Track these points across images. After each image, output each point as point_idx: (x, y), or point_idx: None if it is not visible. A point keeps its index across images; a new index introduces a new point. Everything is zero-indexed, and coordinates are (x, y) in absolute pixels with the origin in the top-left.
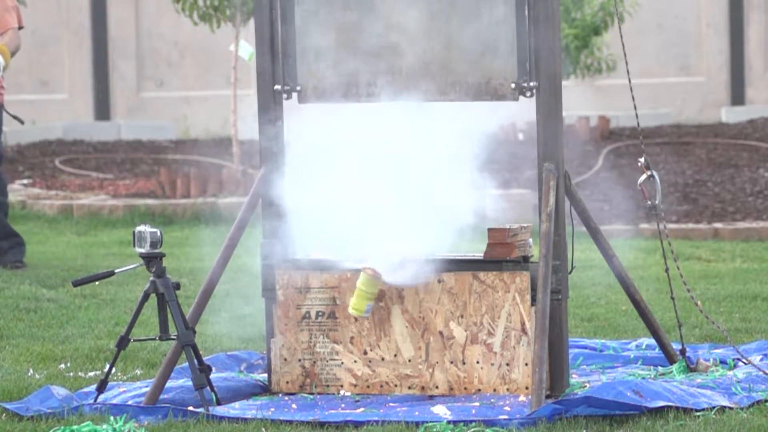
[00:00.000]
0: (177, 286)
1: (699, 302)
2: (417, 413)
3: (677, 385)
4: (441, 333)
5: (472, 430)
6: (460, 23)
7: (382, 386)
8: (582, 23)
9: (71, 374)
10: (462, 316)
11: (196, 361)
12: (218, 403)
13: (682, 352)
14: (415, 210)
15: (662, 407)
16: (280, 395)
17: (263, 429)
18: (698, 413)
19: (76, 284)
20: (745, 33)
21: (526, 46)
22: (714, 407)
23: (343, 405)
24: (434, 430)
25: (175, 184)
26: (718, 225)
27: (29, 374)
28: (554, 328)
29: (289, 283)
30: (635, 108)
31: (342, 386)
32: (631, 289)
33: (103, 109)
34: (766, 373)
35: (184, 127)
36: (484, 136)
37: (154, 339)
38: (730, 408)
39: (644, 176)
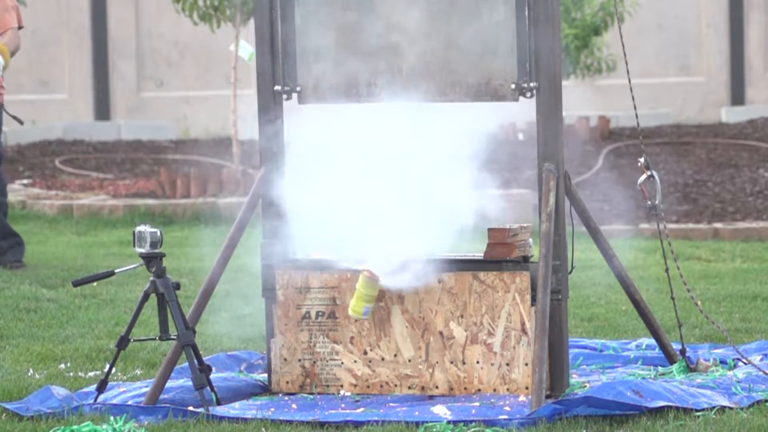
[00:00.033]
0: (177, 286)
1: (699, 302)
2: (417, 413)
3: (677, 385)
4: (441, 333)
5: (472, 430)
6: (460, 23)
7: (382, 386)
8: (582, 23)
9: (71, 374)
10: (462, 316)
11: (196, 361)
12: (218, 403)
13: (682, 352)
14: (415, 210)
15: (662, 407)
16: (280, 395)
17: (263, 429)
18: (698, 413)
19: (76, 284)
20: (745, 33)
21: (526, 46)
22: (714, 407)
23: (343, 405)
24: (434, 430)
25: (175, 184)
26: (718, 225)
27: (29, 374)
28: (554, 328)
29: (289, 283)
30: (635, 108)
31: (342, 386)
32: (631, 289)
33: (103, 109)
34: (766, 373)
35: (184, 127)
36: (484, 136)
37: (154, 339)
38: (730, 408)
39: (644, 176)
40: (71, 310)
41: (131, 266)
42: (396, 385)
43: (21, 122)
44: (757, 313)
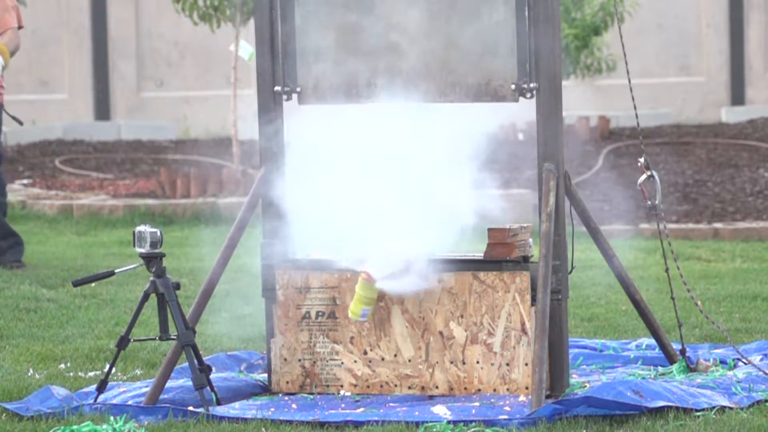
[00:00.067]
0: (177, 286)
1: (699, 302)
2: (417, 413)
3: (677, 385)
4: (441, 333)
5: (472, 430)
6: (460, 24)
7: (382, 386)
8: (582, 23)
9: (71, 374)
10: (462, 316)
11: (196, 361)
12: (218, 403)
13: (682, 352)
14: (415, 210)
15: (662, 407)
16: (280, 395)
17: (263, 429)
18: (698, 413)
19: (76, 284)
20: (745, 33)
21: (526, 46)
22: (714, 407)
23: (343, 405)
24: (434, 430)
25: (175, 184)
26: (718, 225)
27: (29, 374)
28: (554, 328)
29: (289, 283)
30: (635, 108)
31: (342, 386)
32: (631, 289)
33: (103, 109)
34: (766, 373)
35: (184, 127)
36: (484, 136)
37: (154, 339)
38: (730, 408)
39: (644, 176)
40: (71, 310)
41: (131, 266)
42: (396, 385)
43: (21, 123)
44: (757, 313)
